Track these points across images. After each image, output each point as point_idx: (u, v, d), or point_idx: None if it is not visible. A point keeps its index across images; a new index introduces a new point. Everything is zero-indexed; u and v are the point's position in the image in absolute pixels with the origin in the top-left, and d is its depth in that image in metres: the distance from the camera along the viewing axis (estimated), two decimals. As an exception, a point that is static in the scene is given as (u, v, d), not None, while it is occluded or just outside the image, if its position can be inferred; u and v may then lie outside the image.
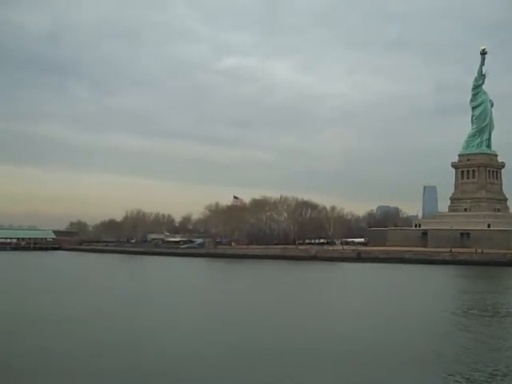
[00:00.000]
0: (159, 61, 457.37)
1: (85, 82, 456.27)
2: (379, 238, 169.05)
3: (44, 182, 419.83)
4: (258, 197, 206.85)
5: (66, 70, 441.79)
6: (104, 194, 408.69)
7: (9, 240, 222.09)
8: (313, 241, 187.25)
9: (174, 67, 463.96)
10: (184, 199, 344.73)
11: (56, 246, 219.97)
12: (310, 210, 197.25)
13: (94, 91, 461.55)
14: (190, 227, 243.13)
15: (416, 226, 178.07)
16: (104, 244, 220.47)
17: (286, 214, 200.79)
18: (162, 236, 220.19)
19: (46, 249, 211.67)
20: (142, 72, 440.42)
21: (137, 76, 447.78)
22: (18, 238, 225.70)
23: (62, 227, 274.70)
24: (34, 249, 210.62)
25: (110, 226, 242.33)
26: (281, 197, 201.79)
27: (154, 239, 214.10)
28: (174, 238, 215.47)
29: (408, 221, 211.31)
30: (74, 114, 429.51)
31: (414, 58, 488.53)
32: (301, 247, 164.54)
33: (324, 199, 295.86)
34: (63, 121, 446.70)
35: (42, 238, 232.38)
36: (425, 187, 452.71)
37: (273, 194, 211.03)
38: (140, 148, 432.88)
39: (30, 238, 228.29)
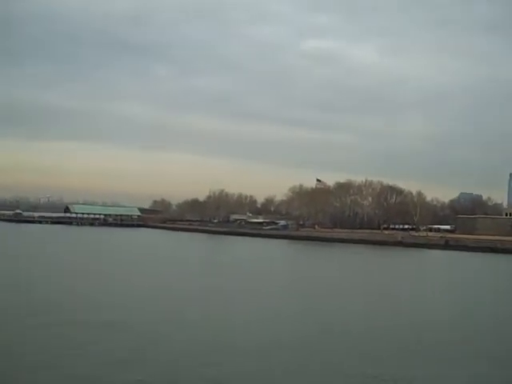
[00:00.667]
0: (242, 42, 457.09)
1: (167, 63, 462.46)
2: (467, 226, 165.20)
3: (128, 161, 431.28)
4: (341, 180, 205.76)
5: (149, 51, 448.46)
6: (187, 174, 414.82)
7: (97, 216, 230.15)
8: (397, 226, 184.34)
9: (256, 49, 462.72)
10: (266, 181, 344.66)
11: (141, 223, 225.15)
12: (395, 195, 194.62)
13: (177, 72, 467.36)
14: (272, 209, 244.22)
15: (507, 214, 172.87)
16: (188, 223, 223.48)
17: (370, 199, 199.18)
18: (244, 217, 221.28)
19: (132, 225, 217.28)
20: (224, 53, 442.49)
21: (219, 57, 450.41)
22: (105, 214, 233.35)
23: (146, 205, 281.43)
24: (121, 225, 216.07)
25: (193, 205, 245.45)
26: (366, 180, 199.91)
27: (236, 219, 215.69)
28: (257, 219, 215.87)
29: (496, 209, 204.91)
30: (158, 95, 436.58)
31: (505, 40, 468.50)
32: (386, 232, 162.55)
33: (405, 184, 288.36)
34: (146, 101, 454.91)
35: (127, 215, 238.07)
36: (511, 174, 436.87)
37: (355, 177, 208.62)
38: (224, 130, 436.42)
39: (116, 215, 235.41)
